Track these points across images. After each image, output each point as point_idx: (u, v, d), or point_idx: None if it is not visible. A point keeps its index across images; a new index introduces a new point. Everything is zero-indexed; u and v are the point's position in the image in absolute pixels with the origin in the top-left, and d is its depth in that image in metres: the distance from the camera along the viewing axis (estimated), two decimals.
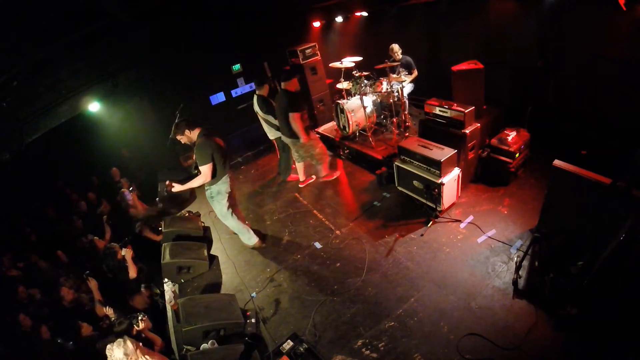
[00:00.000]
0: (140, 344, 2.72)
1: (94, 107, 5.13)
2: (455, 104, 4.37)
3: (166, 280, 3.93)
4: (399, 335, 3.14)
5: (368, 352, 3.07)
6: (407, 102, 6.04)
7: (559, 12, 4.40)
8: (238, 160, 7.11)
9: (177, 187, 3.93)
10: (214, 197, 4.17)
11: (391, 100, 5.67)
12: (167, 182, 3.94)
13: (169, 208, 5.81)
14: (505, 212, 4.21)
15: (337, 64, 5.74)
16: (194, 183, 3.99)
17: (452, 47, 6.17)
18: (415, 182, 4.50)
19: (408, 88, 6.15)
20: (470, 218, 4.23)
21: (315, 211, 5.04)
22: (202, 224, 5.26)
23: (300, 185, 5.71)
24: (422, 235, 4.16)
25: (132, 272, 4.09)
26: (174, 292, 3.70)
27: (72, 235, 4.73)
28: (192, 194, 6.39)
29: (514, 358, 2.75)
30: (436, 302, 3.35)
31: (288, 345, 3.14)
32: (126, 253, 4.09)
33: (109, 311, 3.42)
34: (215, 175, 3.97)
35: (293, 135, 4.91)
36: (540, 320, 2.94)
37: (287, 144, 5.31)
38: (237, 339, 3.30)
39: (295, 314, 3.61)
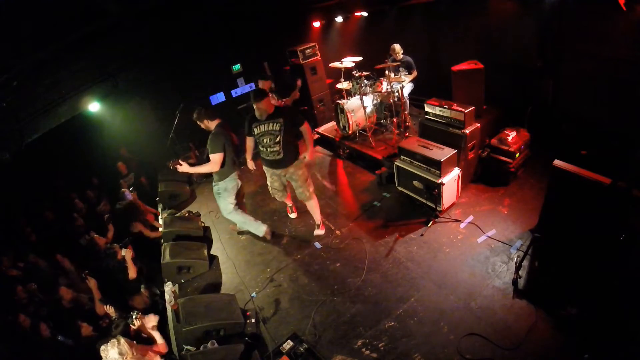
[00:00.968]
0: (135, 342, 2.72)
1: (94, 107, 5.14)
2: (455, 104, 4.37)
3: (166, 280, 3.94)
4: (399, 335, 3.14)
5: (368, 352, 3.07)
6: (407, 102, 6.04)
7: (559, 12, 4.40)
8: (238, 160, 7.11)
9: (184, 167, 3.86)
10: (220, 193, 4.18)
11: (391, 100, 5.67)
12: (174, 160, 3.88)
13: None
14: (505, 212, 4.21)
15: (337, 64, 5.74)
16: (201, 168, 4.02)
17: (452, 47, 6.17)
18: (415, 182, 4.50)
19: (408, 88, 6.15)
20: (470, 218, 4.23)
21: None
22: (202, 224, 5.26)
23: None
24: (422, 235, 4.16)
25: (132, 273, 4.09)
26: (174, 292, 3.70)
27: (72, 234, 4.72)
28: (192, 194, 6.40)
29: (514, 358, 2.74)
30: (436, 302, 3.35)
31: (288, 345, 3.14)
32: (126, 254, 4.09)
33: (109, 309, 3.42)
34: (224, 170, 3.99)
35: None
36: (540, 320, 2.94)
37: None
38: (237, 339, 3.30)
39: (295, 314, 3.61)
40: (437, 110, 4.55)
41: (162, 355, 3.12)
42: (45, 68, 3.83)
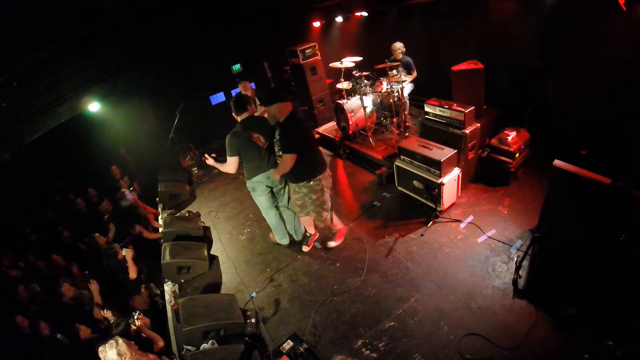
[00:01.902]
0: (132, 342, 2.72)
1: (94, 107, 5.14)
2: (455, 104, 4.37)
3: (166, 280, 3.94)
4: (399, 335, 3.14)
5: (368, 352, 3.07)
6: (407, 102, 6.03)
7: (559, 12, 4.40)
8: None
9: (210, 161, 3.83)
10: (251, 192, 4.05)
11: (391, 100, 5.67)
12: (207, 155, 3.86)
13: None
14: (505, 212, 4.21)
15: (337, 64, 5.74)
16: (220, 167, 3.85)
17: (452, 47, 6.17)
18: (415, 182, 4.50)
19: (408, 88, 6.15)
20: (470, 218, 4.23)
21: None
22: (202, 224, 5.27)
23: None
24: (422, 235, 4.16)
25: (133, 273, 4.09)
26: (174, 292, 3.70)
27: (69, 240, 4.73)
28: (192, 194, 6.41)
29: (514, 358, 2.74)
30: (436, 302, 3.35)
31: (288, 345, 3.14)
32: (127, 253, 4.09)
33: (107, 314, 3.42)
34: (248, 170, 3.83)
35: None
36: (540, 320, 2.94)
37: None
38: (237, 339, 3.30)
39: (295, 314, 3.61)
40: (437, 110, 4.55)
41: (161, 356, 3.11)
42: (45, 68, 3.84)
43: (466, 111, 4.23)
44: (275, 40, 7.60)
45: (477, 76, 4.61)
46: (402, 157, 4.62)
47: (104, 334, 3.22)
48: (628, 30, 3.81)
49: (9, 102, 3.60)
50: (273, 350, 3.19)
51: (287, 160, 3.38)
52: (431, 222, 4.26)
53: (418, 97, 6.39)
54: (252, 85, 8.15)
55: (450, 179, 4.21)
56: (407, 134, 5.74)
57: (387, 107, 6.04)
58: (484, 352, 2.83)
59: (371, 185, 5.35)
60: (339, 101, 6.05)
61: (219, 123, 6.02)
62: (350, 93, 6.19)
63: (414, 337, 3.08)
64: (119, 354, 2.55)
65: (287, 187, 4.02)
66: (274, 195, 4.11)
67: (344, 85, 6.14)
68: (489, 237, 3.90)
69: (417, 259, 3.87)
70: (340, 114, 6.09)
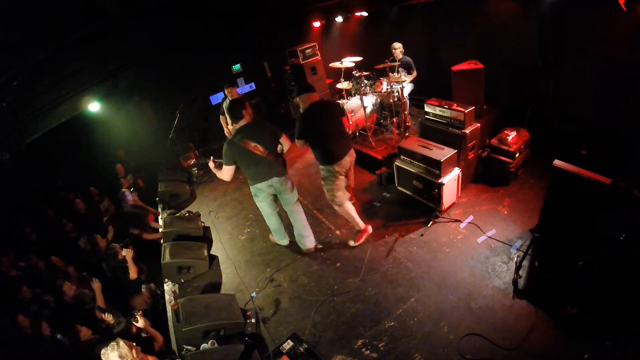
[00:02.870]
0: (134, 344, 2.72)
1: (94, 107, 5.14)
2: (455, 104, 4.37)
3: (166, 280, 3.93)
4: (399, 335, 3.14)
5: (368, 352, 3.07)
6: (407, 102, 6.04)
7: (559, 12, 4.40)
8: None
9: (210, 163, 3.78)
10: (253, 196, 3.99)
11: (391, 100, 5.67)
12: (212, 158, 3.80)
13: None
14: (505, 212, 4.21)
15: (337, 64, 5.74)
16: (217, 172, 3.76)
17: (452, 47, 6.17)
18: (415, 182, 4.50)
19: (408, 88, 6.15)
20: (470, 218, 4.23)
21: (315, 211, 5.04)
22: (202, 224, 5.27)
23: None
24: (422, 235, 4.16)
25: (133, 273, 4.09)
26: (174, 292, 3.70)
27: (72, 233, 4.73)
28: (192, 194, 6.41)
29: (514, 358, 2.74)
30: (436, 302, 3.35)
31: (288, 345, 3.14)
32: (127, 254, 4.09)
33: (108, 317, 3.42)
34: (248, 177, 3.77)
35: None
36: (540, 320, 2.94)
37: None
38: (237, 339, 3.30)
39: (295, 314, 3.61)
40: (437, 110, 4.55)
41: (161, 356, 3.12)
42: (45, 68, 3.83)
43: (466, 111, 4.23)
44: (275, 40, 7.60)
45: (477, 76, 4.61)
46: (402, 157, 4.62)
47: (104, 335, 3.22)
48: (628, 30, 3.81)
49: (9, 102, 3.60)
50: (273, 350, 3.19)
51: (292, 144, 3.83)
52: (431, 222, 4.26)
53: (418, 97, 6.39)
54: (253, 85, 8.15)
55: (450, 179, 4.21)
56: (407, 134, 5.74)
57: (387, 107, 6.05)
58: (484, 352, 2.83)
59: (371, 185, 5.35)
60: (339, 101, 6.04)
61: (219, 123, 6.02)
62: (350, 93, 6.19)
63: (414, 337, 3.08)
64: (121, 357, 2.55)
65: (291, 191, 3.93)
66: (276, 200, 4.07)
67: (344, 85, 6.14)
68: (489, 237, 3.90)
69: (417, 259, 3.87)
70: None
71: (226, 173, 3.69)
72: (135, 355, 2.62)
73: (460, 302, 3.28)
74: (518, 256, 3.51)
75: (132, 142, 7.27)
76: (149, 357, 2.83)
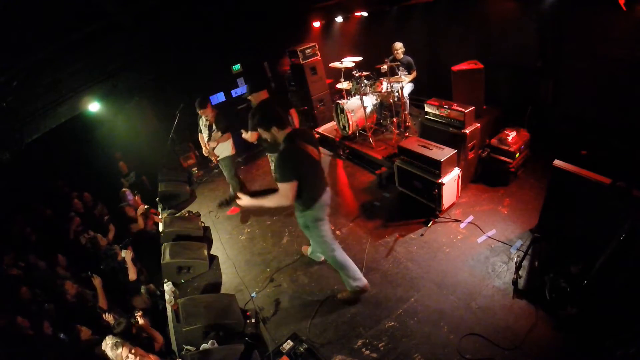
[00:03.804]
0: (133, 344, 2.73)
1: (94, 107, 5.14)
2: (455, 104, 4.37)
3: (166, 280, 3.94)
4: (399, 335, 3.14)
5: (368, 352, 3.07)
6: (407, 102, 6.04)
7: (559, 12, 4.40)
8: (238, 160, 7.11)
9: (244, 201, 2.88)
10: (309, 225, 3.11)
11: (391, 100, 5.67)
12: (237, 194, 2.93)
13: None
14: (505, 212, 4.21)
15: (337, 64, 5.74)
16: (266, 201, 2.89)
17: (452, 47, 6.17)
18: (415, 182, 4.50)
19: (408, 88, 6.15)
20: (470, 218, 4.23)
21: None
22: (202, 224, 5.27)
23: None
24: (422, 235, 4.16)
25: (132, 274, 4.09)
26: (173, 292, 3.70)
27: (73, 233, 4.73)
28: (192, 194, 6.41)
29: (514, 358, 2.74)
30: (436, 302, 3.35)
31: (288, 345, 3.13)
32: (126, 255, 4.09)
33: (108, 317, 3.42)
34: (305, 197, 2.90)
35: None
36: (540, 320, 2.94)
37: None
38: (237, 339, 3.30)
39: (295, 314, 3.61)
40: (437, 110, 4.55)
41: (161, 356, 3.12)
42: (45, 68, 3.84)
43: (466, 111, 4.23)
44: (275, 40, 7.60)
45: (477, 76, 4.61)
46: (402, 157, 4.62)
47: (104, 335, 3.23)
48: (628, 30, 3.81)
49: (9, 102, 3.60)
50: (273, 350, 3.18)
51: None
52: (431, 222, 4.26)
53: (418, 97, 6.40)
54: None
55: (450, 179, 4.21)
56: (407, 134, 5.74)
57: (387, 107, 6.05)
58: (484, 352, 2.83)
59: (371, 185, 5.35)
60: (339, 101, 6.05)
61: None
62: (350, 93, 6.19)
63: (414, 337, 3.08)
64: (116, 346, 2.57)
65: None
66: None
67: (344, 85, 6.14)
68: (489, 237, 3.90)
69: (417, 259, 3.87)
70: (340, 113, 6.09)
71: (289, 193, 2.75)
72: (134, 354, 2.62)
73: (460, 302, 3.28)
74: (518, 256, 3.51)
75: (132, 142, 7.27)
76: (150, 356, 2.84)
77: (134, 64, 5.37)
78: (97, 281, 3.67)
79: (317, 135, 6.84)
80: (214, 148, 4.88)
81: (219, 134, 4.80)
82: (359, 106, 5.79)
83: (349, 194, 5.38)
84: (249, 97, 4.33)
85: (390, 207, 4.80)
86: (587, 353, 2.63)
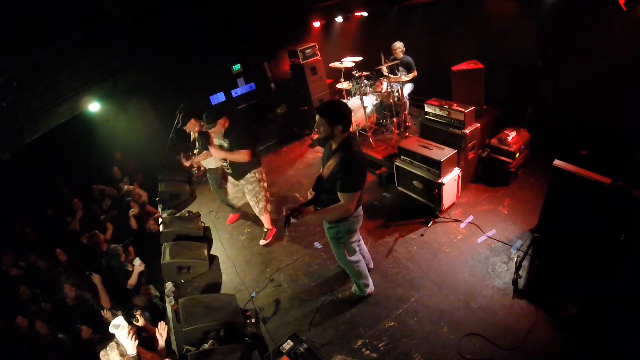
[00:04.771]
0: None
1: (93, 107, 5.13)
2: (455, 104, 4.37)
3: (166, 280, 3.94)
4: (399, 335, 3.14)
5: (368, 352, 3.07)
6: (407, 102, 6.03)
7: (559, 12, 4.40)
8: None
9: (308, 217, 2.64)
10: (340, 237, 2.95)
11: (391, 100, 5.67)
12: (290, 210, 2.60)
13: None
14: (505, 212, 4.21)
15: (337, 64, 5.74)
16: (328, 215, 2.78)
17: (452, 47, 6.17)
18: (415, 182, 4.50)
19: (408, 88, 6.15)
20: (470, 218, 4.23)
21: None
22: (202, 224, 5.26)
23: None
24: (422, 235, 4.16)
25: (133, 281, 4.07)
26: (173, 292, 3.70)
27: (72, 232, 4.73)
28: (192, 194, 6.40)
29: (514, 358, 2.75)
30: (436, 302, 3.35)
31: (288, 345, 3.13)
32: (136, 267, 4.08)
33: (107, 314, 3.41)
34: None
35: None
36: (540, 320, 2.94)
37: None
38: (237, 339, 3.30)
39: (295, 314, 3.61)
40: (437, 110, 4.55)
41: (161, 355, 3.11)
42: (45, 68, 3.84)
43: (466, 111, 4.23)
44: (275, 40, 7.59)
45: (477, 76, 4.62)
46: (402, 157, 4.62)
47: (104, 334, 3.23)
48: (628, 30, 3.81)
49: (9, 102, 3.60)
50: (273, 350, 3.18)
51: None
52: (431, 222, 4.26)
53: (418, 97, 6.39)
54: (252, 85, 8.07)
55: (450, 179, 4.21)
56: (407, 134, 5.74)
57: (387, 107, 6.04)
58: (484, 352, 2.84)
59: (371, 185, 5.35)
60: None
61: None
62: (350, 93, 6.19)
63: (414, 337, 3.09)
64: (122, 355, 2.55)
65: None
66: None
67: (344, 85, 6.14)
68: (489, 237, 3.90)
69: (417, 259, 3.87)
70: None
71: (354, 204, 2.66)
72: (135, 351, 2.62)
73: (460, 302, 3.28)
74: (518, 256, 3.51)
75: (132, 142, 7.27)
76: (150, 354, 2.84)
77: (134, 64, 5.36)
78: (96, 279, 3.66)
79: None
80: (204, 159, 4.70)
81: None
82: (359, 106, 5.78)
83: None
84: (210, 131, 4.02)
85: (390, 207, 4.80)
86: (587, 353, 2.62)
